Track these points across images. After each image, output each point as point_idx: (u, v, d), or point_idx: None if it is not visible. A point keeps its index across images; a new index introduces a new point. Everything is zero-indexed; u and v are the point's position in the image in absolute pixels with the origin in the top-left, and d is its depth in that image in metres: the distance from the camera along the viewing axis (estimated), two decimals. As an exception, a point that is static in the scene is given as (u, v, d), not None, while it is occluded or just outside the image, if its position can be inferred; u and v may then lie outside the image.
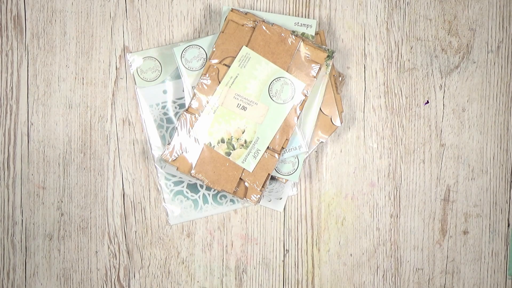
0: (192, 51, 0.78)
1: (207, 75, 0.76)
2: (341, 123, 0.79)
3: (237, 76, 0.75)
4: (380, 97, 0.83)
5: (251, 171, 0.75)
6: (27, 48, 0.80)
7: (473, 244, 0.84)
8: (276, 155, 0.76)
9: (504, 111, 0.84)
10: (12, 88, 0.79)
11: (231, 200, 0.81)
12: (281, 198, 0.81)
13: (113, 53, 0.81)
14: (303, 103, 0.76)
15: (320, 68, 0.76)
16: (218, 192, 0.81)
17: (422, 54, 0.83)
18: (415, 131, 0.83)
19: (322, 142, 0.80)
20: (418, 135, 0.83)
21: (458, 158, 0.84)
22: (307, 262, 0.83)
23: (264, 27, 0.76)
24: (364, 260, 0.83)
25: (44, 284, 0.81)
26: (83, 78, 0.81)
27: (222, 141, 0.75)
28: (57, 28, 0.80)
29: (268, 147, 0.76)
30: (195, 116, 0.75)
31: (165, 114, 0.80)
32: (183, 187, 0.81)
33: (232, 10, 0.77)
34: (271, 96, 0.76)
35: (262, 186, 0.76)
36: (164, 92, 0.80)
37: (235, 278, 0.82)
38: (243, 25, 0.76)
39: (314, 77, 0.76)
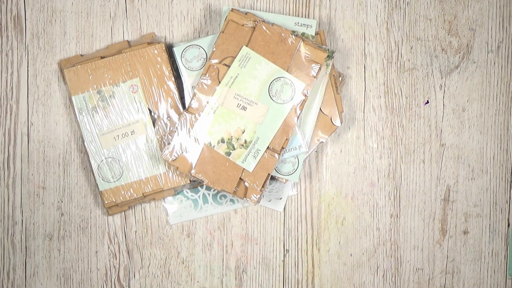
0: (192, 51, 0.78)
1: (207, 75, 0.76)
2: (341, 123, 0.79)
3: (237, 76, 0.75)
4: (380, 97, 0.83)
5: (251, 171, 0.75)
6: (27, 48, 0.80)
7: (473, 244, 0.84)
8: (276, 155, 0.76)
9: (504, 111, 0.84)
10: (12, 88, 0.79)
11: (231, 200, 0.81)
12: (281, 198, 0.81)
13: (113, 53, 0.81)
14: (303, 103, 0.76)
15: (320, 68, 0.76)
16: (218, 192, 0.81)
17: (422, 54, 0.83)
18: (415, 131, 0.83)
19: (322, 142, 0.79)
20: (418, 135, 0.83)
21: (458, 158, 0.84)
22: (307, 262, 0.83)
23: (264, 27, 0.76)
24: (364, 260, 0.83)
25: (44, 284, 0.81)
26: (83, 78, 0.81)
27: (222, 141, 0.75)
28: (57, 28, 0.80)
29: (268, 147, 0.76)
30: (195, 116, 0.75)
31: (165, 114, 0.80)
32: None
33: (232, 10, 0.77)
34: (271, 96, 0.76)
35: (262, 186, 0.76)
36: (164, 92, 0.80)
37: (235, 278, 0.82)
38: (243, 25, 0.76)
39: (314, 77, 0.76)
